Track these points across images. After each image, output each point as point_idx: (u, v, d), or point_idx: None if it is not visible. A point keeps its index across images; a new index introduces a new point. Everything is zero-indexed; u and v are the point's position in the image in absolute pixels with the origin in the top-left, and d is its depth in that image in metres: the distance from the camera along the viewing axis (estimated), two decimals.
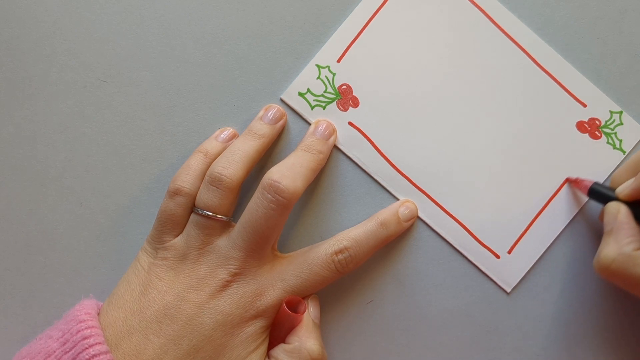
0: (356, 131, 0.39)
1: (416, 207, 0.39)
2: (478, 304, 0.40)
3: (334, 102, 0.39)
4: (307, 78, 0.39)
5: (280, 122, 0.38)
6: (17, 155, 0.39)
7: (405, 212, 0.38)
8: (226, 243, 0.35)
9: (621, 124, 0.39)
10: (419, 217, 0.39)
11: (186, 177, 0.36)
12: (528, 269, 0.39)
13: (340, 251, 0.36)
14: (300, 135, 0.39)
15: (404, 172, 0.39)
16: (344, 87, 0.39)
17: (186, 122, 0.39)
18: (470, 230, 0.39)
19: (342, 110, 0.39)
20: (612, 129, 0.39)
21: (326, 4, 0.39)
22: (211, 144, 0.38)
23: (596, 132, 0.39)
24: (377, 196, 0.39)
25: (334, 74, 0.39)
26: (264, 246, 0.35)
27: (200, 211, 0.35)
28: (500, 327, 0.40)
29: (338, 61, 0.39)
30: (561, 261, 0.40)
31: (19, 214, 0.39)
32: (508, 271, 0.39)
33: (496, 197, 0.39)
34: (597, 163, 0.39)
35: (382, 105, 0.39)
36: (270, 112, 0.38)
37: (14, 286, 0.40)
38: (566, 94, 0.39)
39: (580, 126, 0.39)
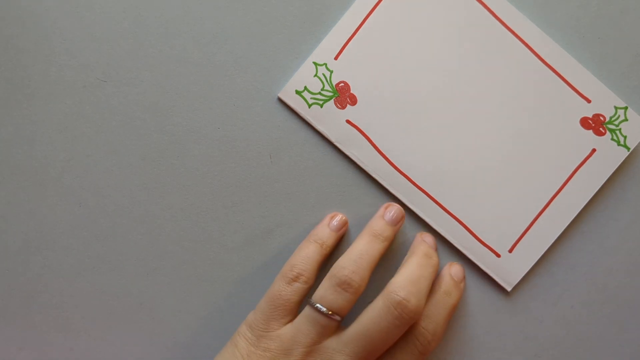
0: (354, 129, 0.39)
1: (461, 266, 0.39)
2: (478, 304, 0.40)
3: (332, 100, 0.39)
4: (304, 76, 0.39)
5: (400, 223, 0.38)
6: (16, 155, 0.39)
7: (457, 274, 0.38)
8: (335, 346, 0.34)
9: (626, 119, 0.39)
10: (418, 216, 0.39)
11: (305, 266, 0.36)
12: (529, 268, 0.39)
13: (421, 333, 0.36)
14: (297, 134, 0.39)
15: (403, 171, 0.39)
16: (342, 84, 0.39)
17: (186, 122, 0.39)
18: (471, 228, 0.39)
19: (340, 108, 0.39)
20: (617, 125, 0.39)
21: (327, 2, 0.39)
22: (325, 233, 0.38)
23: (600, 129, 0.39)
24: (376, 195, 0.39)
25: (331, 72, 0.39)
26: (374, 357, 0.35)
27: (320, 308, 0.35)
28: (501, 326, 0.40)
29: (335, 58, 0.39)
30: (563, 261, 0.40)
31: (18, 214, 0.39)
32: (509, 270, 0.39)
33: (497, 195, 0.39)
34: (602, 160, 0.39)
35: (380, 102, 0.39)
36: (391, 212, 0.37)
37: (13, 287, 0.40)
38: (570, 89, 0.39)
39: (584, 122, 0.39)
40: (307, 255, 0.36)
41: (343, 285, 0.35)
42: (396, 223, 0.37)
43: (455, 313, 0.39)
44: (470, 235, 0.39)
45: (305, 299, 0.36)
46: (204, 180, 0.40)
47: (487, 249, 0.39)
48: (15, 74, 0.39)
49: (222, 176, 0.40)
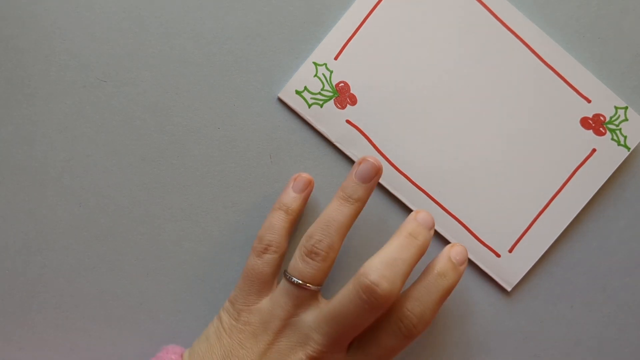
0: (354, 129, 0.39)
1: (465, 248, 0.36)
2: (478, 304, 0.40)
3: (332, 100, 0.39)
4: (304, 76, 0.39)
5: (375, 179, 0.36)
6: (16, 155, 0.39)
7: (457, 256, 0.35)
8: (311, 321, 0.34)
9: (626, 119, 0.39)
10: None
11: (272, 236, 0.36)
12: (529, 268, 0.39)
13: (405, 316, 0.34)
14: (297, 134, 0.39)
15: (402, 170, 0.39)
16: (342, 84, 0.39)
17: (186, 122, 0.39)
18: (471, 228, 0.39)
19: (340, 108, 0.39)
20: (617, 125, 0.39)
21: (326, 2, 0.39)
22: (288, 198, 0.37)
23: (600, 129, 0.39)
24: (376, 195, 0.39)
25: (331, 72, 0.39)
26: (348, 338, 0.34)
27: (292, 279, 0.35)
28: (501, 326, 0.40)
29: (335, 58, 0.39)
30: (563, 261, 0.40)
31: (17, 214, 0.39)
32: (509, 270, 0.39)
33: (497, 195, 0.39)
34: (602, 160, 0.39)
35: (380, 102, 0.39)
36: (361, 168, 0.35)
37: (12, 286, 0.40)
38: (570, 89, 0.39)
39: (585, 122, 0.39)
40: (272, 224, 0.36)
41: (310, 254, 0.35)
42: (368, 180, 0.35)
43: (454, 313, 0.39)
44: (470, 235, 0.39)
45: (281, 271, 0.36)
46: (204, 180, 0.40)
47: (487, 249, 0.39)
48: (15, 74, 0.39)
49: (222, 176, 0.40)
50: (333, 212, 0.35)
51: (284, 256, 0.37)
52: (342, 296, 0.33)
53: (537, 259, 0.39)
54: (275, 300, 0.35)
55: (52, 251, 0.40)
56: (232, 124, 0.39)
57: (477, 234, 0.39)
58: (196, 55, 0.39)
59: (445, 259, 0.35)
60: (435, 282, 0.34)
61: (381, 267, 0.32)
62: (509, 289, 0.39)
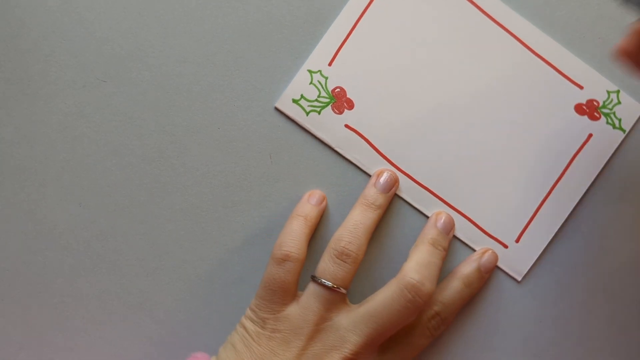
0: (353, 133, 0.39)
1: (496, 256, 0.39)
2: (478, 304, 0.39)
3: (329, 106, 0.39)
4: (299, 84, 0.39)
5: (394, 189, 0.38)
6: (16, 155, 0.39)
7: (486, 264, 0.38)
8: (346, 324, 0.35)
9: (619, 102, 0.39)
10: (423, 215, 0.39)
11: (292, 242, 0.36)
12: (537, 255, 0.39)
13: (432, 317, 0.37)
14: (298, 133, 0.39)
15: (404, 170, 0.39)
16: (338, 90, 0.39)
17: (186, 122, 0.39)
18: (476, 222, 0.39)
19: (338, 114, 0.39)
20: (611, 109, 0.39)
21: (326, 3, 0.39)
22: (307, 208, 0.38)
23: (595, 113, 0.39)
24: None
25: (326, 78, 0.39)
26: (384, 338, 0.35)
27: (323, 282, 0.35)
28: (501, 327, 0.40)
29: (329, 65, 0.39)
30: (563, 260, 0.40)
31: (17, 214, 0.39)
32: (518, 260, 0.39)
33: (500, 187, 0.39)
34: (599, 144, 0.39)
35: (377, 104, 0.39)
36: (382, 180, 0.38)
37: (12, 287, 0.40)
38: (562, 77, 0.39)
39: (579, 108, 0.39)
40: (292, 230, 0.37)
41: (342, 256, 0.35)
42: (388, 190, 0.38)
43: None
44: (477, 229, 0.39)
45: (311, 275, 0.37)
46: (204, 180, 0.40)
47: (494, 241, 0.39)
48: (15, 74, 0.39)
49: (222, 176, 0.40)
50: (358, 216, 0.37)
51: (304, 264, 0.37)
52: (384, 296, 0.35)
53: (544, 247, 0.39)
54: (305, 305, 0.35)
55: (51, 251, 0.40)
56: (232, 124, 0.39)
57: (483, 227, 0.39)
58: (196, 56, 0.39)
59: (474, 270, 0.38)
60: (461, 292, 0.38)
61: (421, 268, 0.35)
62: (519, 278, 0.39)
